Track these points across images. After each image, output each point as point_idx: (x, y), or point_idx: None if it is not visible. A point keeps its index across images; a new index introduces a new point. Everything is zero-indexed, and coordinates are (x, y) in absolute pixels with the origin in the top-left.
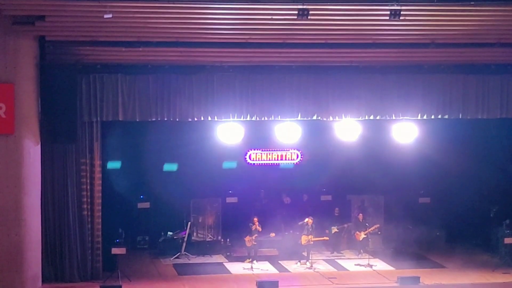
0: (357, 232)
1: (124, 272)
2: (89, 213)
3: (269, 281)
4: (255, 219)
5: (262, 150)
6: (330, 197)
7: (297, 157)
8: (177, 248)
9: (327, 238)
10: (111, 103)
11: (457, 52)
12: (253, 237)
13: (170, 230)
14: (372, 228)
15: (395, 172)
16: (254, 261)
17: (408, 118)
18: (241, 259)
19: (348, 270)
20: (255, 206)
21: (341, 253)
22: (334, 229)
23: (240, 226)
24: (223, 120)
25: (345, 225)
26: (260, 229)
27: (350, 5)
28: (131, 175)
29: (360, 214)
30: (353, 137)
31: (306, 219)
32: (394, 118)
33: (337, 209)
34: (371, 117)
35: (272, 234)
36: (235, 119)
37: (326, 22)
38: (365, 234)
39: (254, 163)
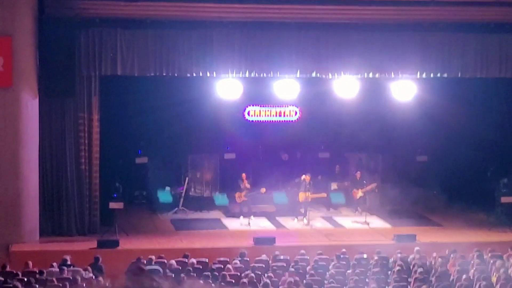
0: (355, 189)
1: (121, 227)
2: (87, 167)
3: (266, 237)
4: (243, 175)
5: (261, 106)
6: (328, 155)
7: (296, 114)
8: (175, 204)
9: (325, 195)
10: (109, 58)
11: (456, 11)
12: (243, 194)
13: (167, 186)
14: (369, 187)
15: (393, 130)
16: (251, 217)
17: (407, 75)
18: (238, 215)
19: (344, 227)
20: (253, 162)
21: (338, 210)
22: (334, 186)
23: (238, 183)
24: (222, 76)
25: (345, 183)
26: (248, 186)
27: None
28: (129, 131)
29: (358, 172)
30: (351, 95)
31: (303, 176)
32: (393, 76)
33: (338, 166)
34: (370, 75)
35: (263, 190)
36: (234, 75)
37: None
38: (362, 192)
39: (252, 120)
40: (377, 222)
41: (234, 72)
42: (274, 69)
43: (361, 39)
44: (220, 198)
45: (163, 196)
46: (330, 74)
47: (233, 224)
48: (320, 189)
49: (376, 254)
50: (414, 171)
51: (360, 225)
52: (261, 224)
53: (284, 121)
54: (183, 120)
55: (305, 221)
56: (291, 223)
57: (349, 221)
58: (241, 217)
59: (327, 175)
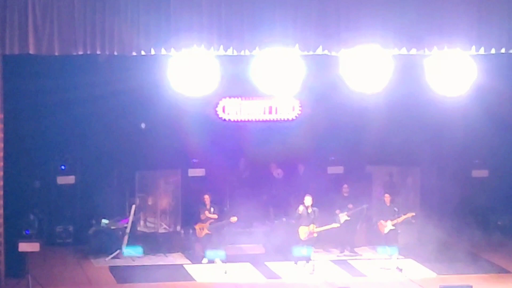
0: (381, 220)
1: (37, 279)
2: None
3: None
4: (206, 197)
5: (241, 99)
6: (342, 169)
7: (294, 110)
8: (116, 244)
9: (338, 225)
10: (17, 30)
11: None
12: (205, 225)
13: (105, 217)
14: (404, 217)
15: (437, 135)
16: (217, 261)
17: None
18: (200, 257)
19: (366, 276)
20: (231, 181)
21: (355, 252)
22: (344, 217)
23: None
24: (182, 53)
25: (361, 208)
26: (213, 215)
27: None
28: (48, 136)
29: (387, 195)
30: (375, 82)
31: (305, 200)
32: (436, 51)
33: (345, 186)
34: (403, 51)
35: (234, 219)
36: (201, 52)
37: None
38: (393, 225)
39: (229, 119)
40: (415, 268)
41: (202, 47)
42: (262, 43)
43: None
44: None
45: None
46: (343, 50)
47: (202, 272)
48: (330, 218)
49: None
50: (469, 191)
51: (390, 273)
52: (243, 273)
53: (277, 120)
54: (128, 120)
55: (309, 267)
56: (288, 270)
57: (374, 266)
58: (204, 259)
59: (340, 200)
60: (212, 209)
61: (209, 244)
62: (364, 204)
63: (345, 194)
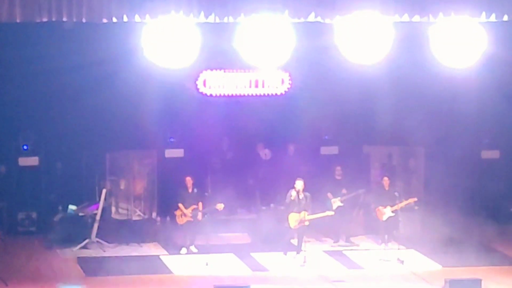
0: (380, 206)
1: None
2: None
3: (235, 287)
4: (187, 179)
5: (224, 71)
6: (337, 150)
7: (283, 83)
8: (85, 233)
9: (332, 213)
10: None
11: None
12: (189, 210)
13: (72, 203)
14: (405, 202)
15: (443, 111)
16: (192, 248)
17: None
18: (179, 245)
19: (363, 268)
20: (213, 163)
21: (351, 242)
22: (337, 202)
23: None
24: (158, 20)
25: (357, 193)
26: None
27: None
28: (8, 112)
29: (385, 178)
30: (373, 52)
31: (296, 184)
32: (442, 17)
33: (338, 168)
34: (404, 18)
35: (220, 206)
36: (179, 18)
37: None
38: (393, 211)
39: (211, 94)
40: (417, 260)
41: (181, 13)
42: (247, 8)
43: None
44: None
45: None
46: (338, 16)
47: (180, 264)
48: (323, 205)
49: None
50: (478, 174)
51: (391, 265)
52: (226, 264)
53: (264, 95)
54: (97, 95)
55: (300, 258)
56: (276, 262)
57: (372, 258)
58: (183, 248)
59: (334, 184)
60: (194, 192)
61: (189, 233)
62: (361, 189)
63: (338, 177)
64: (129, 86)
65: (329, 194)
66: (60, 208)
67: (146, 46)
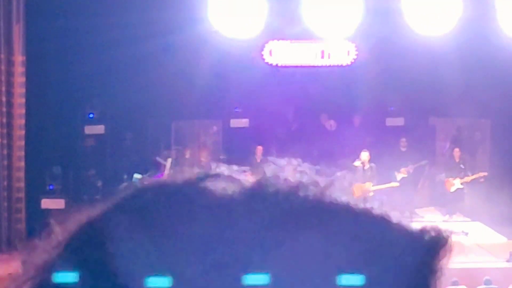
0: (450, 178)
1: None
2: (5, 141)
3: None
4: (259, 148)
5: (291, 41)
6: (402, 121)
7: (349, 54)
8: None
9: (397, 184)
10: None
11: None
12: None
13: (137, 172)
14: (475, 176)
15: (511, 85)
16: None
17: None
18: None
19: None
20: (278, 134)
21: (416, 214)
22: (402, 173)
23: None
24: None
25: (420, 164)
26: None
27: None
28: (75, 81)
29: (456, 149)
30: (441, 24)
31: (361, 155)
32: None
33: (403, 139)
34: None
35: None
36: None
37: None
38: (462, 183)
39: (277, 64)
40: (482, 232)
41: None
42: None
43: None
44: None
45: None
46: None
47: None
48: (389, 176)
49: (484, 285)
50: None
51: (455, 237)
52: None
53: (331, 65)
54: (163, 64)
55: None
56: None
57: None
58: None
59: (399, 155)
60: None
61: None
62: (424, 160)
63: (403, 149)
64: (194, 55)
65: (399, 171)
66: (125, 177)
67: (212, 16)
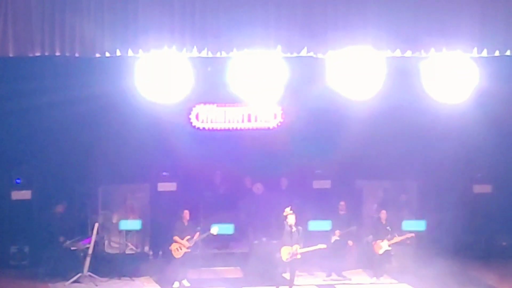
0: (378, 240)
1: None
2: None
3: None
4: (185, 212)
5: (217, 106)
6: (329, 183)
7: (276, 117)
8: (77, 267)
9: (325, 246)
10: None
11: None
12: (185, 241)
13: (65, 236)
14: (403, 237)
15: (435, 146)
16: (185, 282)
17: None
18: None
19: None
20: (205, 197)
21: (344, 276)
22: (336, 235)
23: (176, 226)
24: (152, 55)
25: (350, 229)
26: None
27: None
28: (1, 146)
29: (383, 211)
30: (366, 88)
31: (288, 217)
32: (433, 53)
33: (342, 203)
34: (396, 53)
35: (215, 229)
36: (172, 53)
37: None
38: (389, 245)
39: (204, 127)
40: None
41: (173, 48)
42: (240, 43)
43: None
44: None
45: None
46: (330, 51)
47: None
48: (316, 239)
49: None
50: (470, 208)
51: None
52: None
53: (257, 128)
54: (90, 129)
55: None
56: None
57: None
58: (176, 282)
59: (329, 217)
60: (190, 225)
61: (185, 266)
62: (353, 226)
63: (342, 212)
64: (122, 120)
65: (336, 232)
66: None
67: (139, 81)
